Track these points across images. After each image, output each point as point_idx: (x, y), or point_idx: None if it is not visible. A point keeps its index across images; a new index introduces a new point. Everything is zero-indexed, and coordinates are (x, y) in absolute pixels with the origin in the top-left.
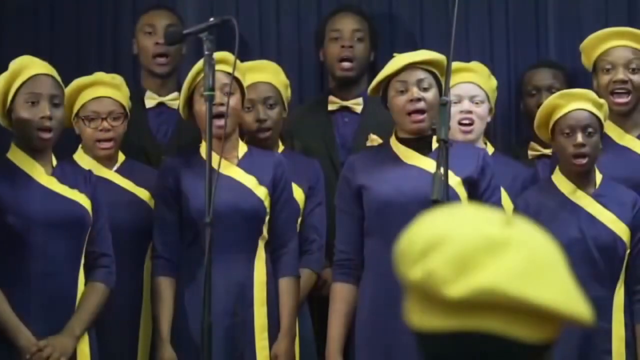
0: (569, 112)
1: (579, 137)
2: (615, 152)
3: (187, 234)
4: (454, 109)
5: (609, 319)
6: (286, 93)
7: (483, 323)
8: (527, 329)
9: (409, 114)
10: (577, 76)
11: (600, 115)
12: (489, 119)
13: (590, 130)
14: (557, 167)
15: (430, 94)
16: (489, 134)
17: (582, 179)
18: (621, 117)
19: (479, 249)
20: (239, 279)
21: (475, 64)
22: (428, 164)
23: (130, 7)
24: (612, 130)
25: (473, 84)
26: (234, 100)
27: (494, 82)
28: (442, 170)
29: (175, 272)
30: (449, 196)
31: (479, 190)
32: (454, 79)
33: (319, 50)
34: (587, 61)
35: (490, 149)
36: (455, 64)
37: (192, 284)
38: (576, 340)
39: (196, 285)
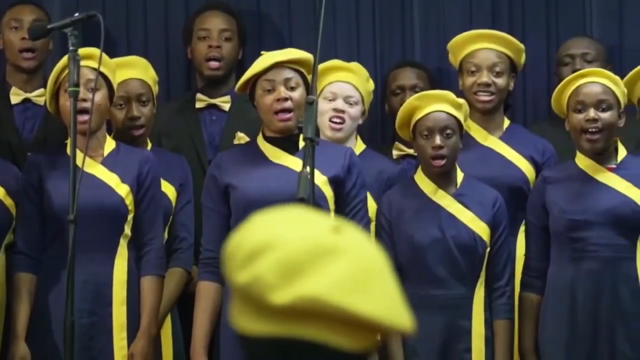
0: (428, 113)
1: (437, 139)
2: (479, 153)
3: (49, 231)
4: (327, 106)
5: (469, 317)
6: (156, 89)
7: (305, 330)
8: (348, 337)
9: (276, 112)
10: (442, 76)
11: (460, 115)
12: (360, 120)
13: (448, 131)
14: (420, 167)
15: (297, 93)
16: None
17: (443, 179)
18: (484, 119)
19: (306, 256)
20: (98, 277)
21: (355, 65)
22: (295, 163)
23: None
24: (476, 132)
25: (350, 85)
26: (100, 96)
27: (371, 85)
28: (308, 169)
29: (36, 269)
30: (315, 195)
31: (345, 189)
32: (332, 77)
33: (187, 47)
34: (454, 60)
35: (361, 147)
36: (335, 62)
37: (52, 281)
38: (437, 339)
39: (57, 282)
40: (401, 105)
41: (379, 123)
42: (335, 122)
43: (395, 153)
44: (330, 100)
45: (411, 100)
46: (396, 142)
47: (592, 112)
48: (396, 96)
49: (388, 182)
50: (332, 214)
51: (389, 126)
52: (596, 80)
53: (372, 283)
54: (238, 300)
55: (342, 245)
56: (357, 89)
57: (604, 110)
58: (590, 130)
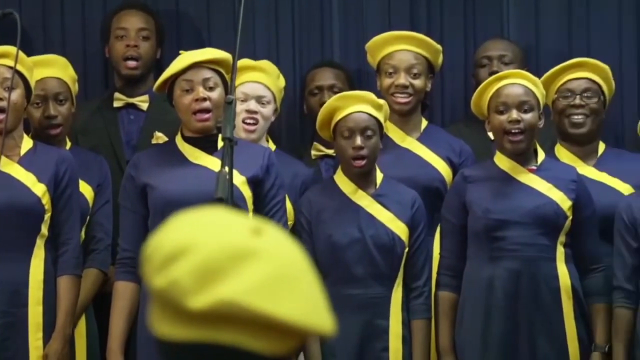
0: (348, 114)
1: (358, 140)
2: (396, 154)
3: None
4: (240, 107)
5: (387, 317)
6: (74, 88)
7: (224, 335)
8: (267, 342)
9: (194, 113)
10: (360, 76)
11: (380, 116)
12: (273, 118)
13: (369, 132)
14: (340, 167)
15: (216, 94)
16: (274, 132)
17: (362, 179)
18: (402, 120)
19: (224, 259)
20: (14, 277)
21: (265, 63)
22: (213, 163)
23: None
24: (394, 132)
25: (261, 84)
26: (16, 95)
27: (282, 82)
28: (226, 169)
29: None
30: (233, 195)
31: (264, 190)
32: (243, 77)
33: (105, 46)
34: (372, 61)
35: (271, 147)
36: (244, 62)
37: None
38: (355, 338)
39: None
40: (320, 105)
41: (297, 123)
42: (249, 124)
43: (313, 153)
44: (242, 101)
45: (332, 100)
46: (315, 143)
47: (514, 114)
48: (314, 96)
49: (303, 186)
50: (251, 214)
51: (308, 126)
52: (517, 81)
53: (290, 286)
54: (156, 305)
55: (260, 248)
56: (268, 88)
57: (526, 112)
58: (512, 131)
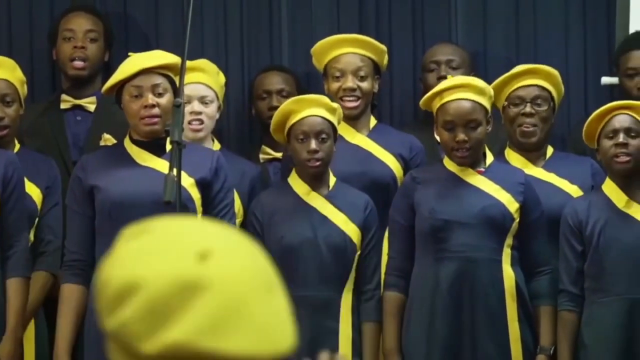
0: (303, 118)
1: (312, 144)
2: (346, 151)
3: None
4: (184, 109)
5: (337, 319)
6: (23, 90)
7: None
8: None
9: (143, 118)
10: (310, 80)
11: (334, 120)
12: (217, 116)
13: (323, 136)
14: (293, 170)
15: (165, 99)
16: (222, 135)
17: (316, 180)
18: (352, 118)
19: (171, 296)
20: None
21: (203, 62)
22: (162, 165)
23: None
24: (344, 130)
25: (202, 85)
26: None
27: (222, 79)
28: (174, 171)
29: None
30: (181, 197)
31: (212, 192)
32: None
33: (52, 49)
34: (318, 65)
35: (216, 146)
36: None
37: None
38: (304, 340)
39: None
40: (268, 109)
41: (245, 127)
42: (195, 125)
43: (262, 157)
44: (186, 103)
45: (287, 104)
46: (263, 146)
47: (461, 135)
48: (263, 100)
49: (251, 184)
50: (200, 215)
51: (256, 130)
52: (465, 96)
53: (241, 315)
54: (111, 344)
55: (208, 276)
56: (209, 87)
57: (473, 129)
58: (460, 149)
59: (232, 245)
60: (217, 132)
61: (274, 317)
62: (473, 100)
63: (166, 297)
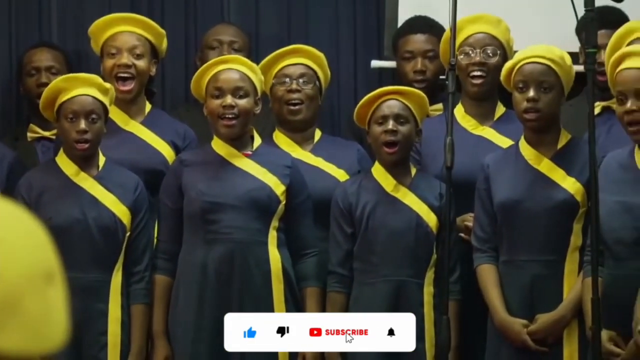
0: (73, 96)
1: (82, 124)
2: (119, 137)
3: None
4: None
5: (106, 301)
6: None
7: None
8: None
9: None
10: (80, 58)
11: (106, 100)
12: None
13: (94, 116)
14: (62, 149)
15: None
16: None
17: (85, 161)
18: (126, 104)
19: None
20: None
21: None
22: None
23: None
24: (118, 116)
25: None
26: None
27: None
28: None
29: None
30: None
31: None
32: None
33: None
34: (95, 46)
35: None
36: None
37: None
38: (74, 322)
39: None
40: (37, 86)
41: (13, 104)
42: None
43: (29, 135)
44: None
45: (57, 81)
46: (31, 124)
47: (229, 99)
48: (31, 77)
49: (9, 167)
50: None
51: (23, 108)
52: (234, 67)
53: (14, 310)
54: None
55: None
56: None
57: (241, 97)
58: (227, 116)
59: (12, 236)
60: None
61: (47, 313)
62: (242, 72)
63: None
